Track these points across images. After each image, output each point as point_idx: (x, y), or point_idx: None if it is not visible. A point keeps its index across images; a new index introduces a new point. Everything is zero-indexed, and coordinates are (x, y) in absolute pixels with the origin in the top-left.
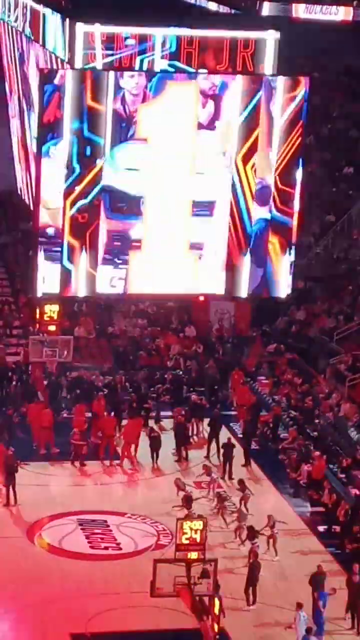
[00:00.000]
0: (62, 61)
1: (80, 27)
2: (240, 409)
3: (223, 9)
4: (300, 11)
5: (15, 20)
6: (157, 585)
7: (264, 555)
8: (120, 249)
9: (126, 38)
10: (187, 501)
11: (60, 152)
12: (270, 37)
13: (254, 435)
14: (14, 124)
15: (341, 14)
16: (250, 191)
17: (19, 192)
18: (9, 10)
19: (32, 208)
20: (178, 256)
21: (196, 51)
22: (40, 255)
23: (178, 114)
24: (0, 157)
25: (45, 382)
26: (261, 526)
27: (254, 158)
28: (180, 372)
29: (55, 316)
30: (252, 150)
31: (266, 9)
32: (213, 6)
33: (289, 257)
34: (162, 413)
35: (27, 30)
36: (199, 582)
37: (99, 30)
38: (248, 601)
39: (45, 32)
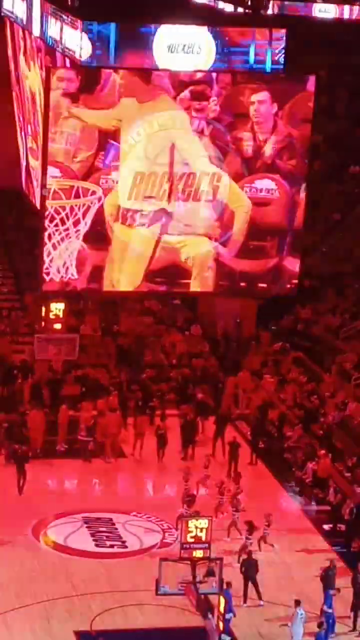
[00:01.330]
0: (68, 58)
1: (87, 25)
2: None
3: (231, 8)
4: (307, 9)
5: (21, 17)
6: (162, 583)
7: (260, 551)
8: None
9: None
10: (189, 501)
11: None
12: (278, 36)
13: (262, 434)
14: (19, 120)
15: (347, 12)
16: None
17: (23, 188)
18: (15, 7)
19: (37, 205)
20: None
21: None
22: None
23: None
24: (5, 154)
25: (46, 380)
26: (260, 523)
27: None
28: (186, 371)
29: (61, 314)
30: None
31: (273, 8)
32: (221, 5)
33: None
34: (167, 411)
35: (33, 27)
36: (205, 581)
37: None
38: (245, 599)
39: (51, 30)
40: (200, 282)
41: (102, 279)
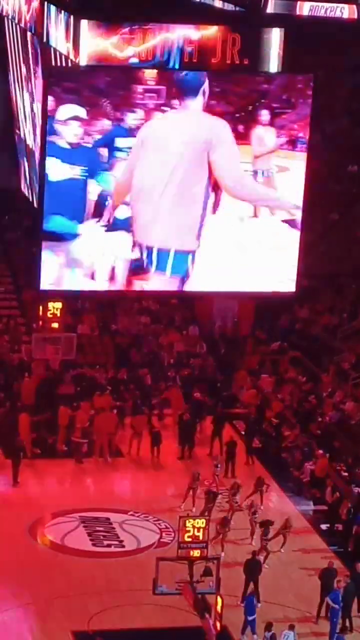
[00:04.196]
0: (67, 58)
1: (85, 24)
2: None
3: (228, 7)
4: (305, 9)
5: (20, 17)
6: (159, 583)
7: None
8: None
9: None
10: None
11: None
12: (275, 35)
13: (257, 433)
14: (18, 118)
15: (346, 11)
16: None
17: (22, 188)
18: (14, 7)
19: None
20: None
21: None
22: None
23: None
24: (4, 153)
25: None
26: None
27: None
28: (183, 370)
29: (58, 313)
30: None
31: (271, 7)
32: (218, 4)
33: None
34: (165, 411)
35: (32, 27)
36: (202, 580)
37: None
38: (242, 599)
39: (50, 29)
40: None
41: None
